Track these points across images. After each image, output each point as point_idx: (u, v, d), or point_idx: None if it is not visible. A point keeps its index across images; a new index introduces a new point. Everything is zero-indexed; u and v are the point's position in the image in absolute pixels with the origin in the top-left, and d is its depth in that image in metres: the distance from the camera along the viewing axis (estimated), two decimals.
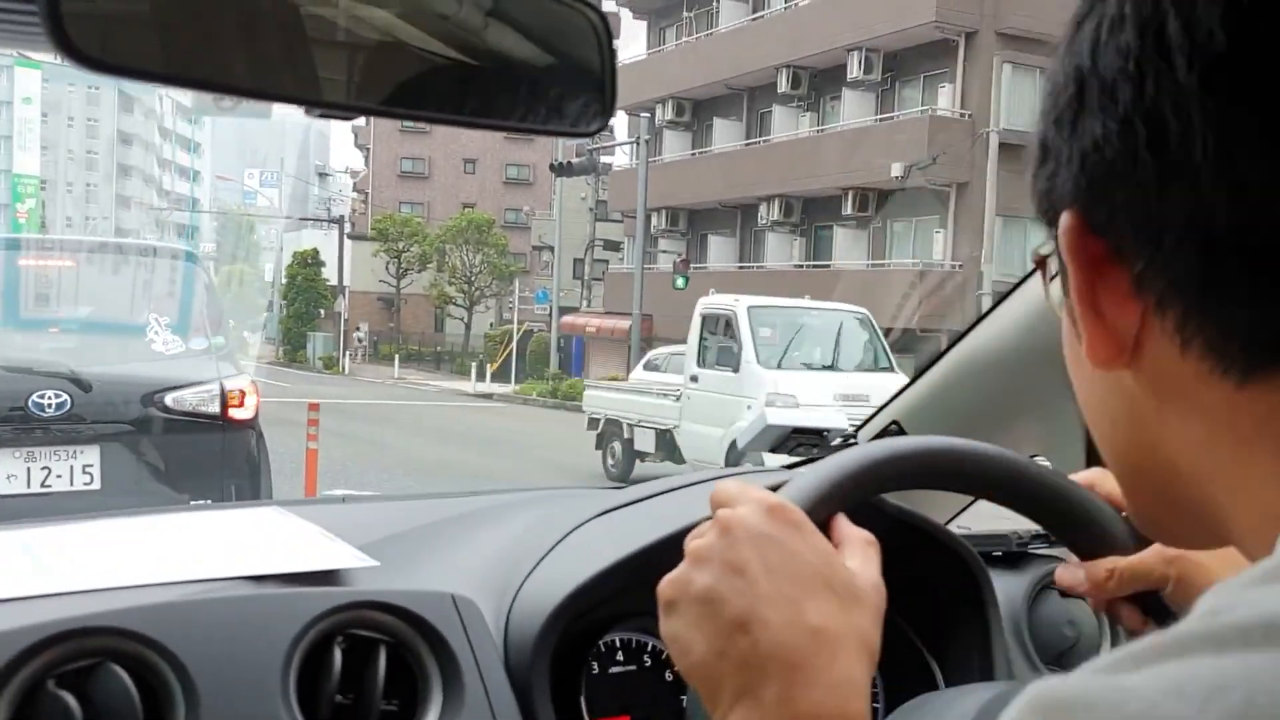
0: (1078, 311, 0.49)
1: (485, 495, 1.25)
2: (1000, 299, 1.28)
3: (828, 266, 26.15)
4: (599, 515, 1.03)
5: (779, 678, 0.57)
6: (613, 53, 0.82)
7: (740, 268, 29.41)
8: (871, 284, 24.11)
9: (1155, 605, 0.72)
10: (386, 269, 42.34)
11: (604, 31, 0.82)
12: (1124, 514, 0.72)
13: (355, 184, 61.73)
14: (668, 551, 0.92)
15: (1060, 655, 1.14)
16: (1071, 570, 0.75)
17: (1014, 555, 1.21)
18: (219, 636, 0.82)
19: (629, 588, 0.95)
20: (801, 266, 27.32)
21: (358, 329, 41.72)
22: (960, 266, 22.88)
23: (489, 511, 1.17)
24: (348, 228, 46.75)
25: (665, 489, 1.03)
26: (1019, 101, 22.56)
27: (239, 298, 45.65)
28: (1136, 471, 0.53)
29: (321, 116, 0.63)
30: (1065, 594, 1.20)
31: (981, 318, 1.30)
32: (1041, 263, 0.55)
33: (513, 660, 0.91)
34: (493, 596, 0.96)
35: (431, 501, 1.25)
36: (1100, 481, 0.76)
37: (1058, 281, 0.52)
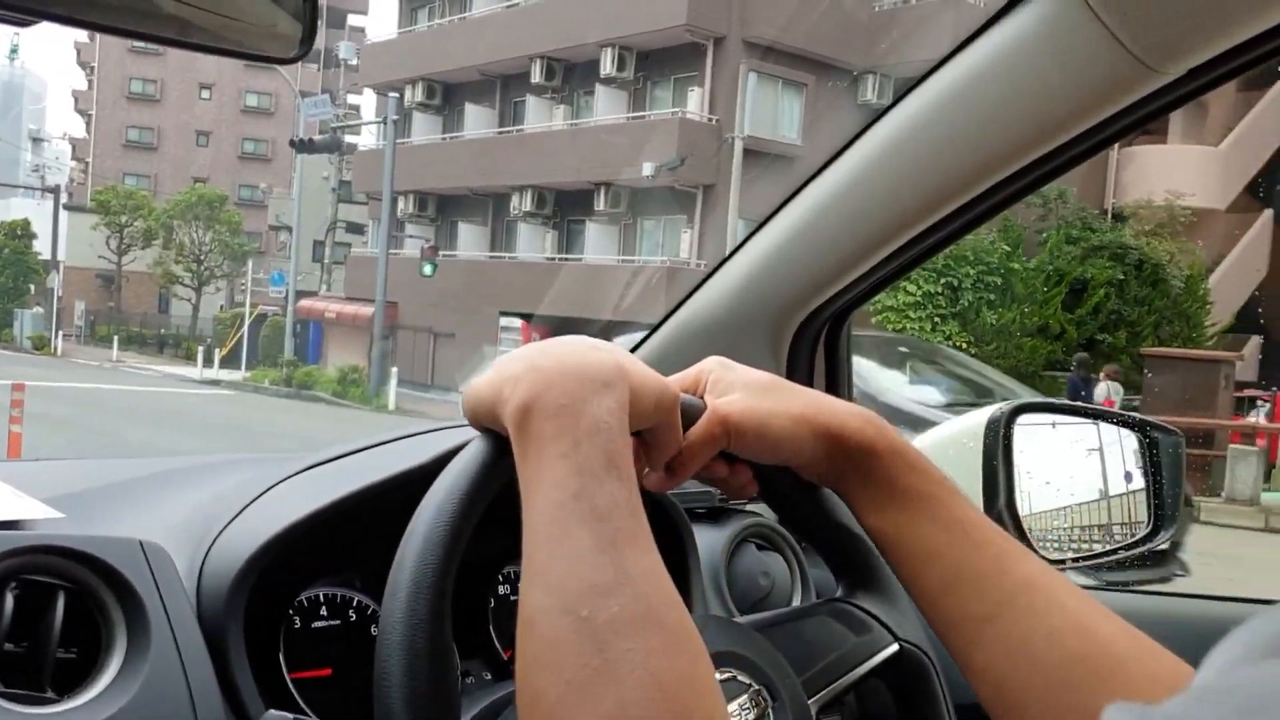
0: None
1: (192, 457, 1.20)
2: (715, 267, 1.36)
3: (580, 260, 26.46)
4: (305, 469, 1.00)
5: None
6: None
7: (491, 257, 29.29)
8: (620, 278, 24.60)
9: (730, 458, 0.78)
10: (107, 244, 39.64)
11: None
12: (702, 396, 0.77)
13: (74, 151, 57.23)
14: (370, 501, 0.91)
15: (755, 604, 1.21)
16: (653, 475, 0.76)
17: (717, 511, 1.27)
18: None
19: (332, 540, 0.93)
20: (553, 259, 27.52)
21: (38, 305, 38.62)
22: (705, 265, 23.64)
23: (191, 470, 1.12)
24: (64, 198, 43.25)
25: (372, 443, 1.02)
26: (762, 109, 23.59)
27: None
28: None
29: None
30: (761, 546, 1.28)
31: (697, 285, 1.37)
32: None
33: (205, 610, 0.88)
34: (187, 546, 0.92)
35: (130, 461, 1.18)
36: (703, 369, 0.80)
37: None
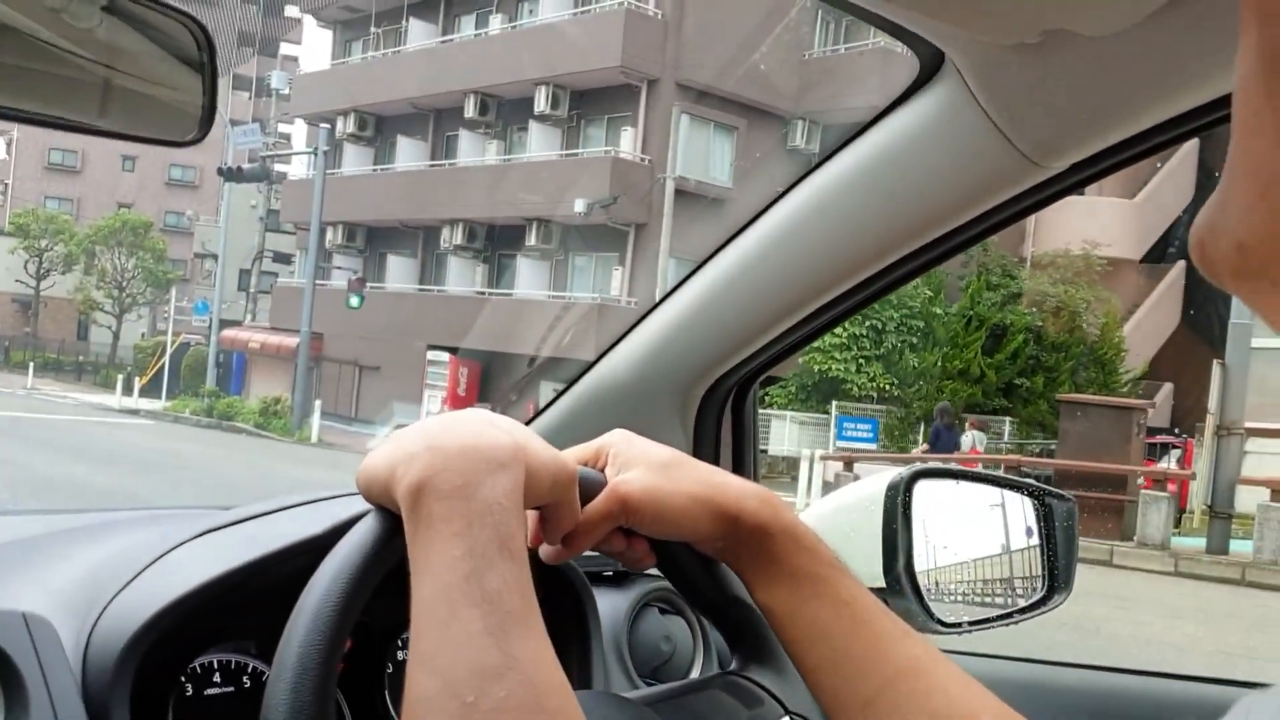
0: None
1: (89, 514, 1.16)
2: (627, 330, 1.38)
3: (510, 295, 26.42)
4: (200, 535, 0.98)
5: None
6: (214, 67, 0.82)
7: (420, 290, 29.11)
8: (551, 314, 24.61)
9: (628, 532, 0.79)
10: (25, 268, 38.61)
11: (206, 45, 0.83)
12: (603, 468, 0.79)
13: None
14: (266, 571, 0.90)
15: (656, 669, 1.22)
16: (548, 548, 0.77)
17: (621, 574, 1.28)
18: None
19: (226, 607, 0.93)
20: (484, 293, 27.44)
21: None
22: (636, 303, 23.82)
23: (84, 531, 1.09)
24: None
25: (270, 509, 1.00)
26: (694, 151, 23.88)
27: None
28: None
29: None
30: (664, 610, 1.30)
31: (610, 347, 1.39)
32: None
33: (91, 684, 0.86)
34: (74, 617, 0.90)
35: (23, 518, 1.15)
36: (606, 443, 0.81)
37: None
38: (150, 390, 30.23)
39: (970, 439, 17.46)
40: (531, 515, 0.75)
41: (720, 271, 1.29)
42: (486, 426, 0.68)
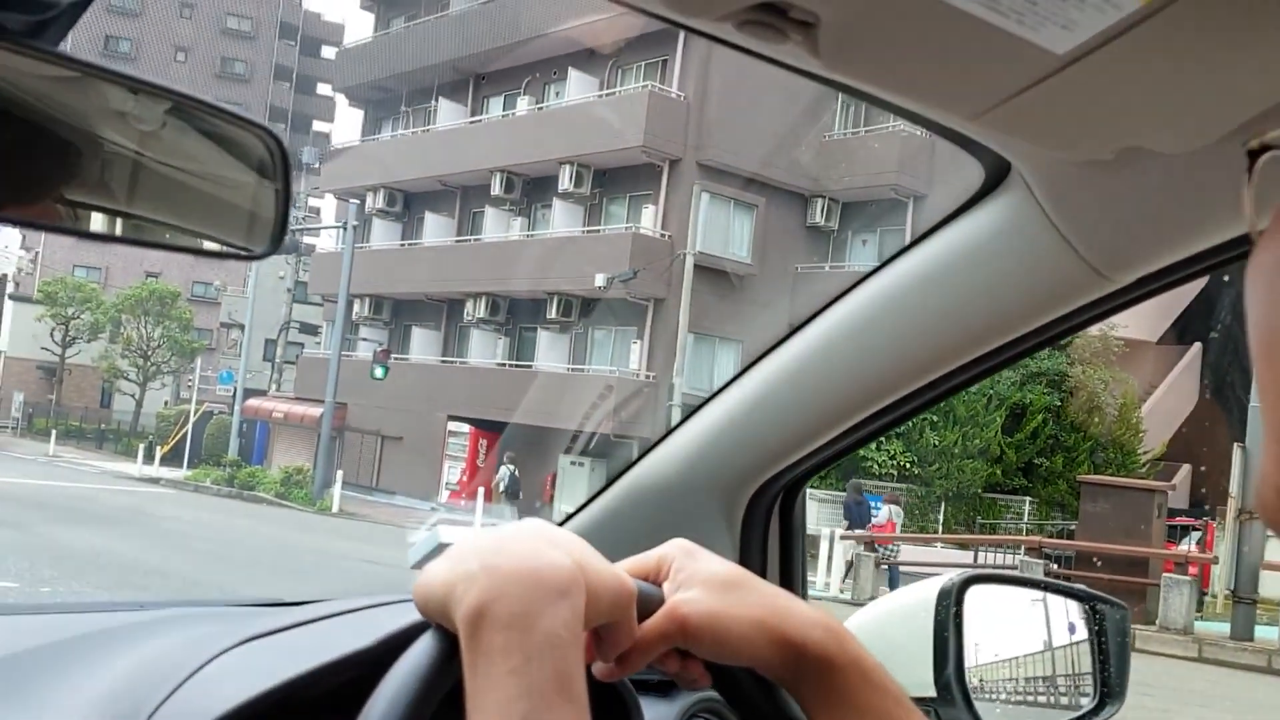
0: None
1: (120, 613, 1.12)
2: (669, 430, 1.36)
3: (530, 367, 26.61)
4: (242, 643, 0.94)
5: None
6: (288, 179, 0.84)
7: (443, 361, 29.36)
8: (570, 387, 24.74)
9: (684, 652, 0.76)
10: (52, 336, 38.99)
11: (280, 157, 0.84)
12: (662, 584, 0.77)
13: (24, 240, 56.62)
14: (313, 685, 0.85)
15: None
16: (602, 666, 0.74)
17: (669, 682, 1.17)
18: None
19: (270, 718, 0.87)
20: (504, 365, 27.65)
21: None
22: (654, 377, 23.94)
23: (123, 632, 1.03)
24: (11, 288, 42.73)
25: (314, 617, 0.96)
26: (713, 228, 24.18)
27: None
28: None
29: None
30: None
31: (651, 446, 1.37)
32: None
33: None
34: None
35: (56, 617, 1.11)
36: (666, 555, 0.78)
37: None
38: (172, 459, 30.34)
39: (887, 512, 17.85)
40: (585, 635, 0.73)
41: (773, 371, 1.26)
42: (546, 546, 0.67)
